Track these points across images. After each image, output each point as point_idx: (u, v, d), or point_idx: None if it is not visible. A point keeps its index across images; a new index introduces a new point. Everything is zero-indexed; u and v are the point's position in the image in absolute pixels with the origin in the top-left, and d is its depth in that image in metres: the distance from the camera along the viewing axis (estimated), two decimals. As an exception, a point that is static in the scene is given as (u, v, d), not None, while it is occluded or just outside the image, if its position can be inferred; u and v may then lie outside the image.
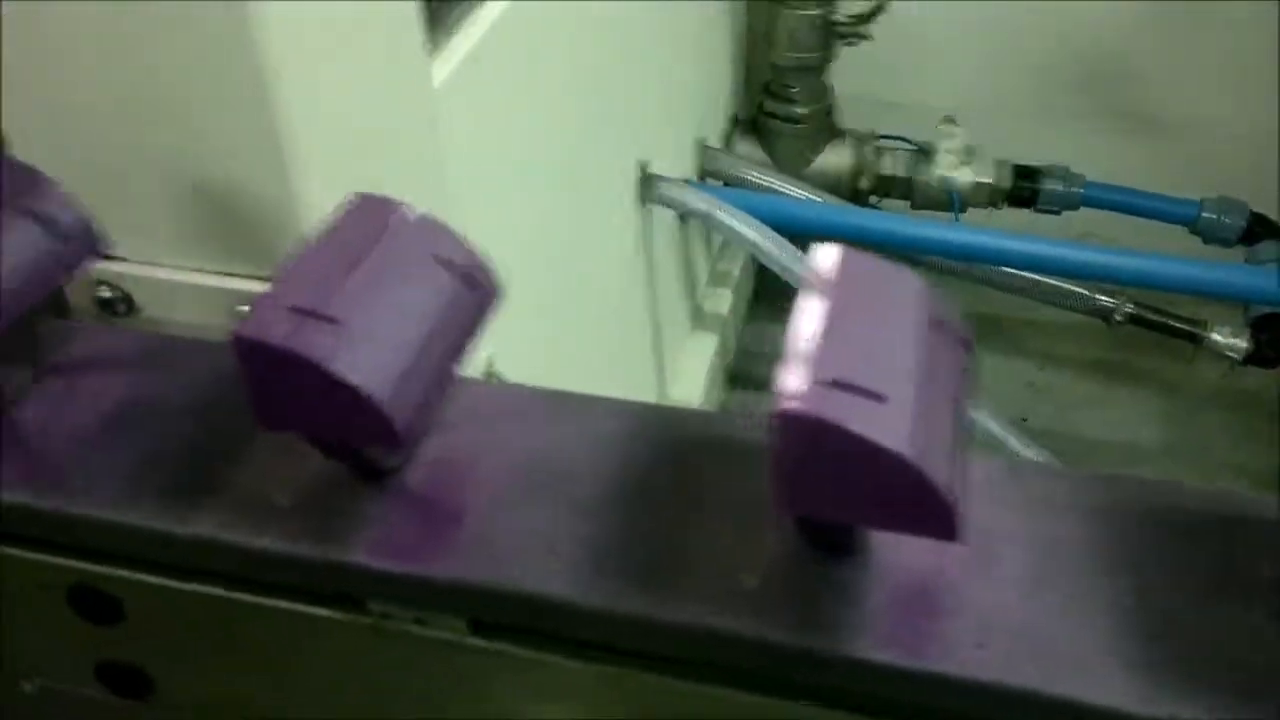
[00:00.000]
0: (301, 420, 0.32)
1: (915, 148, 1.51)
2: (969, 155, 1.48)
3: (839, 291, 0.31)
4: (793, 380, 0.28)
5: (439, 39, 0.69)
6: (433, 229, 0.35)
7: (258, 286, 0.52)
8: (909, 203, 1.53)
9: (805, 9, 1.46)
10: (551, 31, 0.89)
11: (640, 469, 0.36)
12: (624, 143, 1.18)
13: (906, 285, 0.32)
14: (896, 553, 0.33)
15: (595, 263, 1.12)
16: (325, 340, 0.30)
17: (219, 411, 0.38)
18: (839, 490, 0.28)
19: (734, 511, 0.34)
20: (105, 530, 0.35)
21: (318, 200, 0.51)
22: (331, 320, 0.31)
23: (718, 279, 1.59)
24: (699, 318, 1.53)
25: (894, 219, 1.40)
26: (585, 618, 0.32)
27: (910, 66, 1.59)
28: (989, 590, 0.32)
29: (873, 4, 1.47)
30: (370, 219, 0.34)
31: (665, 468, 0.36)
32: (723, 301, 1.55)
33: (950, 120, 1.48)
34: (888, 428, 0.27)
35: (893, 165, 1.52)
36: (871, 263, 0.32)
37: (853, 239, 1.44)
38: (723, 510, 0.34)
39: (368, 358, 0.31)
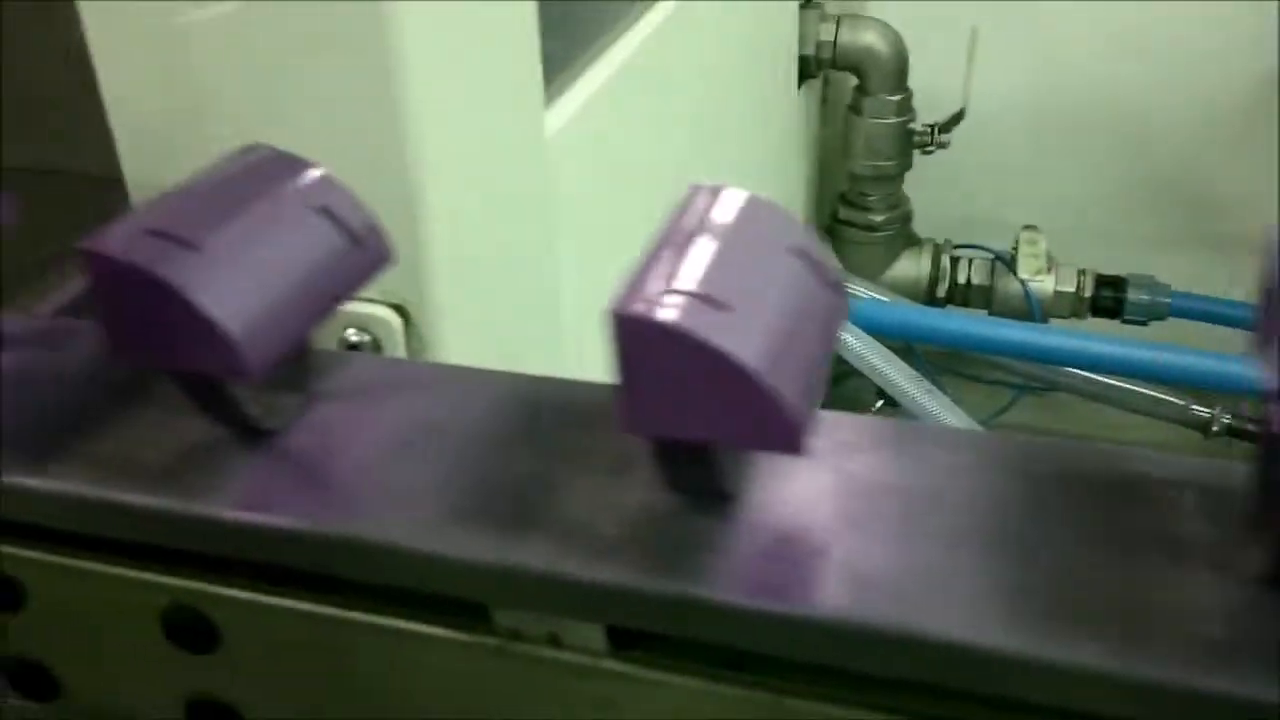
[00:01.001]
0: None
1: (994, 256, 1.50)
2: (1051, 263, 1.46)
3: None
4: None
5: (553, 91, 0.69)
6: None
7: (365, 309, 0.51)
8: (987, 312, 1.50)
9: (883, 118, 1.47)
10: (650, 104, 0.90)
11: (1009, 500, 0.31)
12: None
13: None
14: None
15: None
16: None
17: (507, 438, 0.34)
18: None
19: (1152, 549, 0.29)
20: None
21: (436, 227, 0.51)
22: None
23: (791, 386, 1.55)
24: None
25: (980, 322, 1.37)
26: (1025, 673, 0.27)
27: (987, 181, 1.59)
28: None
29: (951, 113, 1.48)
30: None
31: (1030, 498, 0.31)
32: (796, 410, 1.51)
33: (1032, 228, 1.47)
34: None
35: (971, 273, 1.50)
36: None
37: (935, 342, 1.41)
38: (1134, 547, 0.29)
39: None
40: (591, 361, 0.79)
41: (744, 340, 0.26)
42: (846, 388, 1.64)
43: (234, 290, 0.29)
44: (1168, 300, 1.44)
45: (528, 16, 0.59)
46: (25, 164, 0.84)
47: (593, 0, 0.82)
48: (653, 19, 0.90)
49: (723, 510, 0.30)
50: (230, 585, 0.33)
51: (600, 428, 0.34)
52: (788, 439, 0.27)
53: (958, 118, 1.49)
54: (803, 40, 1.46)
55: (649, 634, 0.30)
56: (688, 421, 0.27)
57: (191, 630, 0.33)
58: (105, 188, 0.57)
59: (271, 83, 0.48)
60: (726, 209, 0.31)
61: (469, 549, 0.29)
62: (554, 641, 0.31)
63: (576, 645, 0.30)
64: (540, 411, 0.34)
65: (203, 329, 0.28)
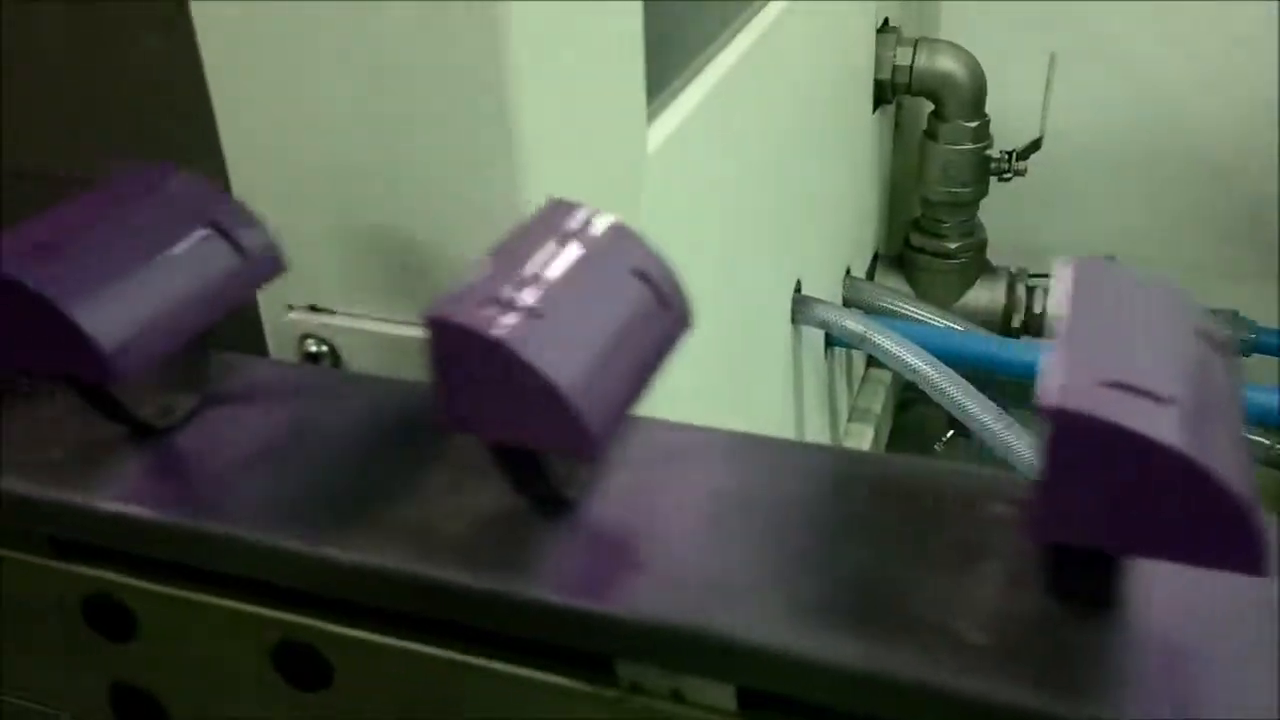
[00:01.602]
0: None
1: (1069, 287, 1.47)
2: (1130, 296, 1.43)
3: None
4: None
5: (654, 108, 0.68)
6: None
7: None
8: (1060, 343, 1.48)
9: (960, 144, 1.44)
10: (740, 123, 0.88)
11: None
12: (785, 257, 1.15)
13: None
14: None
15: (752, 373, 1.06)
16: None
17: (833, 519, 0.31)
18: None
19: None
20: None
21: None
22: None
23: (859, 415, 1.52)
24: (841, 453, 1.46)
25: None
26: None
27: (1064, 210, 1.56)
28: None
29: (1029, 140, 1.45)
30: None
31: None
32: (864, 438, 1.48)
33: (1113, 259, 1.44)
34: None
35: (1048, 304, 1.47)
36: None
37: (1010, 373, 1.38)
38: None
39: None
40: (684, 392, 0.77)
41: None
42: (913, 415, 1.62)
43: (582, 365, 0.27)
44: (1251, 336, 1.41)
45: (634, 33, 0.57)
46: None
47: (691, 13, 0.80)
48: (745, 38, 0.88)
49: (1104, 618, 0.27)
50: (346, 624, 0.32)
51: (928, 511, 0.31)
52: (1251, 559, 0.23)
53: (1035, 145, 1.46)
54: (879, 64, 1.44)
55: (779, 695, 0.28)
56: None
57: (302, 667, 0.33)
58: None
59: (383, 104, 0.46)
60: (1127, 290, 0.28)
61: (832, 652, 0.26)
62: (677, 697, 0.29)
63: (702, 702, 0.29)
64: (861, 489, 0.32)
65: (553, 407, 0.26)
